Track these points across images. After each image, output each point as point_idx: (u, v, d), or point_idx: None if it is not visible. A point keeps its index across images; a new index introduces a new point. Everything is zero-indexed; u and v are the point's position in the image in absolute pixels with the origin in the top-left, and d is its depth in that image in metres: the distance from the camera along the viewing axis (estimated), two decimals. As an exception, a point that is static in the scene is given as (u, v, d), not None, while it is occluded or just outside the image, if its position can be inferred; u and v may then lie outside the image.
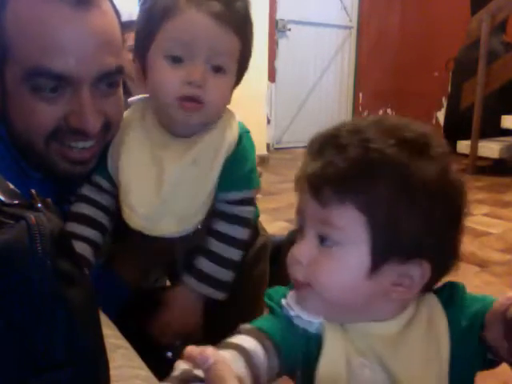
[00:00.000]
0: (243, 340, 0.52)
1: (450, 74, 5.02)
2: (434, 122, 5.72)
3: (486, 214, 2.95)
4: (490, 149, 4.10)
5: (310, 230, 0.57)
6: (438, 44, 5.38)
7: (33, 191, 0.41)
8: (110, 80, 0.81)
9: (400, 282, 0.54)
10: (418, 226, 0.53)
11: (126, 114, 0.86)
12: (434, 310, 0.57)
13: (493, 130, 4.17)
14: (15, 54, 0.72)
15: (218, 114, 0.80)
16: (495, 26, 4.08)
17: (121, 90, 0.86)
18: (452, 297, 0.58)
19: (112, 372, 0.44)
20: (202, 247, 0.81)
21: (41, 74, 0.71)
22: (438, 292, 0.59)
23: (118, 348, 0.61)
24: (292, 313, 0.56)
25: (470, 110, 4.08)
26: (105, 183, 0.85)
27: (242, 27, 0.77)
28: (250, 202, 0.83)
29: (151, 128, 0.83)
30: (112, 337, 0.62)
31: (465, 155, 4.27)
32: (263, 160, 4.51)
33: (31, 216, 0.38)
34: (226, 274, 0.81)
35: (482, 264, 2.22)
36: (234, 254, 0.81)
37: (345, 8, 5.50)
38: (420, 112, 5.77)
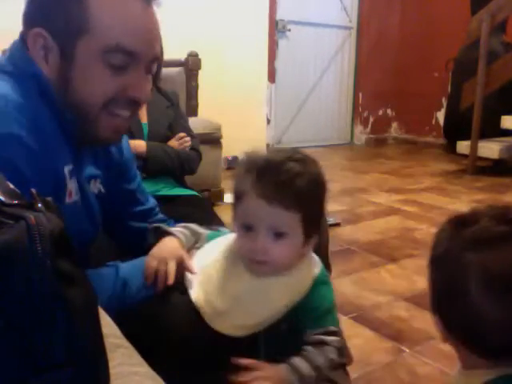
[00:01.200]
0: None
1: (450, 74, 5.03)
2: (433, 122, 5.73)
3: (485, 215, 2.95)
4: (490, 149, 4.10)
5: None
6: (438, 44, 5.39)
7: (33, 191, 0.41)
8: (156, 64, 0.93)
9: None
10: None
11: (220, 238, 1.02)
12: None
13: (493, 131, 4.17)
14: (96, 31, 0.83)
15: (287, 267, 0.89)
16: (495, 26, 4.08)
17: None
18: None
19: (112, 370, 0.44)
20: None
21: (118, 50, 0.84)
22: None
23: (118, 347, 0.61)
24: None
25: (470, 111, 4.08)
26: None
27: (300, 203, 0.85)
28: (333, 334, 0.89)
29: (234, 256, 0.94)
30: (112, 336, 0.62)
31: (465, 155, 4.28)
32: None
33: (31, 216, 0.38)
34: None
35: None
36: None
37: (345, 8, 5.50)
38: (420, 112, 5.78)
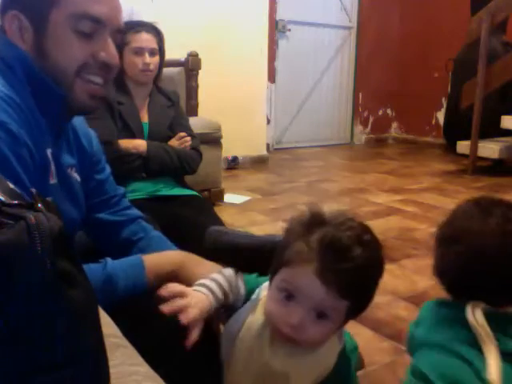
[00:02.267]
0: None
1: (450, 74, 5.03)
2: (433, 122, 5.73)
3: (485, 215, 2.95)
4: (490, 149, 4.10)
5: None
6: (437, 44, 5.39)
7: (33, 190, 0.41)
8: (118, 37, 1.00)
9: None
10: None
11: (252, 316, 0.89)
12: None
13: (492, 131, 4.17)
14: (64, 2, 0.92)
15: (317, 347, 0.83)
16: (495, 26, 4.08)
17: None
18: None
19: (111, 370, 0.44)
20: None
21: (85, 17, 0.92)
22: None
23: (118, 347, 0.61)
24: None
25: (470, 111, 4.08)
26: None
27: (356, 293, 0.78)
28: None
29: (260, 323, 0.86)
30: (112, 336, 0.63)
31: (464, 156, 4.28)
32: (263, 160, 4.51)
33: (30, 216, 0.38)
34: None
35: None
36: None
37: (345, 8, 5.50)
38: (420, 112, 5.78)
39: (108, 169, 1.21)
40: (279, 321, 0.79)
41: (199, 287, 0.87)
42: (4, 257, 0.36)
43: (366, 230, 0.82)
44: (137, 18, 3.19)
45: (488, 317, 0.83)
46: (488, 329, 0.81)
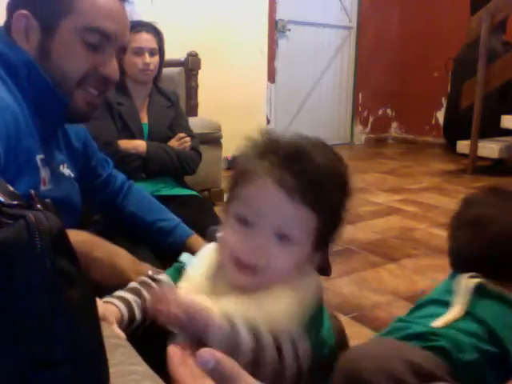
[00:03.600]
0: None
1: (450, 73, 5.03)
2: (433, 121, 5.73)
3: (485, 214, 2.95)
4: (490, 149, 4.10)
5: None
6: (437, 44, 5.39)
7: (32, 192, 0.42)
8: (122, 53, 1.06)
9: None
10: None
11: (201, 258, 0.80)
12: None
13: (492, 130, 4.17)
14: (80, 12, 0.96)
15: (279, 280, 0.70)
16: (495, 26, 4.08)
17: None
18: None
19: (111, 369, 0.44)
20: None
21: (96, 30, 0.97)
22: None
23: (118, 347, 0.61)
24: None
25: (470, 110, 4.08)
26: None
27: (323, 204, 0.70)
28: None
29: (219, 277, 0.75)
30: (112, 336, 0.63)
31: (464, 155, 4.28)
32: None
33: (30, 215, 0.39)
34: None
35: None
36: None
37: (344, 8, 5.50)
38: (420, 112, 5.78)
39: (98, 152, 1.27)
40: (235, 252, 0.69)
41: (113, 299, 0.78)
42: (4, 255, 0.36)
43: (330, 146, 0.76)
44: (137, 18, 3.19)
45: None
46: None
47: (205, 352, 0.46)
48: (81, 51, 0.97)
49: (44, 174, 0.96)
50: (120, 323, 0.76)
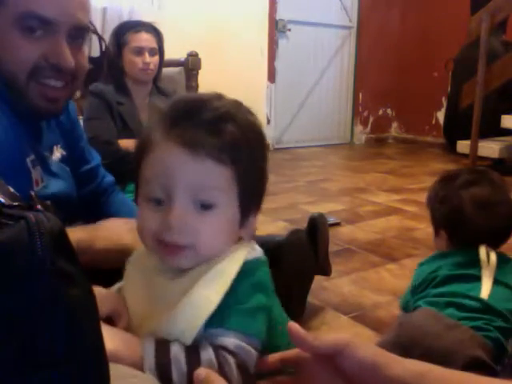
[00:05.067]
0: None
1: (450, 73, 5.03)
2: (433, 121, 5.73)
3: (485, 214, 2.95)
4: (490, 149, 4.10)
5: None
6: (437, 44, 5.39)
7: (32, 193, 0.42)
8: (81, 34, 0.95)
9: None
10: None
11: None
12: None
13: (493, 130, 4.18)
14: (12, 1, 0.87)
15: (213, 253, 0.65)
16: (495, 26, 4.08)
17: (86, 50, 0.99)
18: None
19: (111, 371, 0.44)
20: None
21: (29, 17, 0.87)
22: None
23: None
24: None
25: (470, 110, 4.08)
26: None
27: (234, 153, 0.62)
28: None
29: (151, 267, 0.70)
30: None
31: (465, 155, 4.28)
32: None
33: (30, 215, 0.39)
34: None
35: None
36: None
37: (345, 8, 5.50)
38: (420, 112, 5.78)
39: (85, 136, 1.24)
40: (159, 231, 0.63)
41: None
42: (4, 255, 0.36)
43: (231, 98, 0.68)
44: (137, 17, 3.19)
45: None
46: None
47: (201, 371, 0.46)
48: (21, 42, 0.88)
49: (35, 174, 0.93)
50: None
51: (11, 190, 0.41)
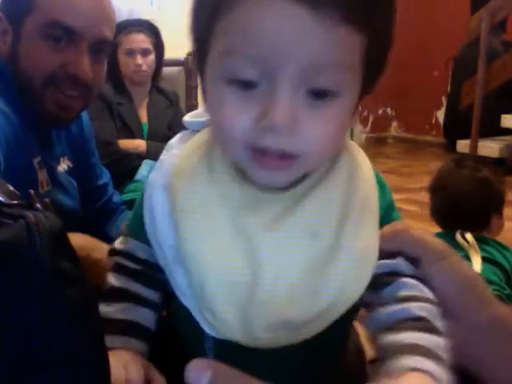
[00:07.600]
0: None
1: (450, 73, 5.03)
2: (433, 121, 5.73)
3: (486, 214, 2.95)
4: (490, 148, 4.10)
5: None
6: (437, 43, 5.38)
7: (31, 192, 0.41)
8: (103, 48, 0.96)
9: None
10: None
11: (181, 159, 0.54)
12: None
13: (493, 130, 4.17)
14: (39, 8, 0.89)
15: (324, 160, 0.48)
16: (495, 26, 4.08)
17: (105, 65, 1.00)
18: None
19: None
20: None
21: (56, 26, 0.90)
22: None
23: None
24: None
25: (470, 109, 4.08)
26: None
27: (367, 13, 0.41)
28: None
29: (227, 181, 0.49)
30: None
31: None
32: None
33: (30, 215, 0.39)
34: None
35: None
36: None
37: (344, 8, 5.49)
38: (420, 111, 5.78)
39: (96, 153, 1.23)
40: (244, 133, 0.43)
41: None
42: (3, 255, 0.36)
43: None
44: (136, 18, 3.19)
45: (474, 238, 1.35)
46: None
47: (196, 364, 0.35)
48: (44, 49, 0.90)
49: (41, 176, 0.93)
50: None
51: (10, 188, 0.41)
